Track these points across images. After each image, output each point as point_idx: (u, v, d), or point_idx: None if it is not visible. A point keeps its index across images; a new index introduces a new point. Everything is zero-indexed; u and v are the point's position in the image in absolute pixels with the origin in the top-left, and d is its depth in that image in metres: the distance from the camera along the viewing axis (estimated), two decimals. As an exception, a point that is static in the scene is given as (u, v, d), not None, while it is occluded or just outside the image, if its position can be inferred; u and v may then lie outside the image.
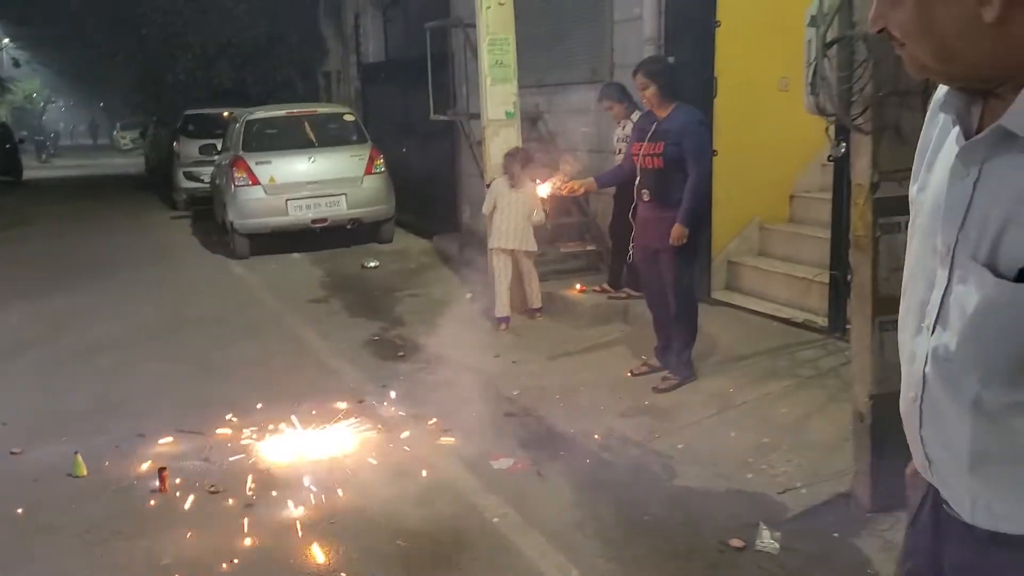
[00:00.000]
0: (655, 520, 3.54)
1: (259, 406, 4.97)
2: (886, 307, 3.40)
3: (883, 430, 3.45)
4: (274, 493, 3.92)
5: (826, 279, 5.72)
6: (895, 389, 3.46)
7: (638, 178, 4.87)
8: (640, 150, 4.83)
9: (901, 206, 3.50)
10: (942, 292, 1.23)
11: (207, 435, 4.61)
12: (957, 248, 1.19)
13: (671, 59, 4.86)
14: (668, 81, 4.76)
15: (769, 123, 6.37)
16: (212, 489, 3.95)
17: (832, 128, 4.65)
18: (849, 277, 5.11)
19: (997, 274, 1.12)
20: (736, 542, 3.29)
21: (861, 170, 3.40)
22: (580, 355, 5.73)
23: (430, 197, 11.31)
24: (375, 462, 4.23)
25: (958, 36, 1.13)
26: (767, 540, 3.26)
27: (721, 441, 4.22)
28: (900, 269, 3.41)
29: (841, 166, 5.04)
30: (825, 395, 4.51)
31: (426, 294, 7.95)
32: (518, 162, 6.40)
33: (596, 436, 4.38)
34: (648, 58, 5.24)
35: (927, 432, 1.31)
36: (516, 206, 6.44)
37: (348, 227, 10.16)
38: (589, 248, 7.64)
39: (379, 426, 4.66)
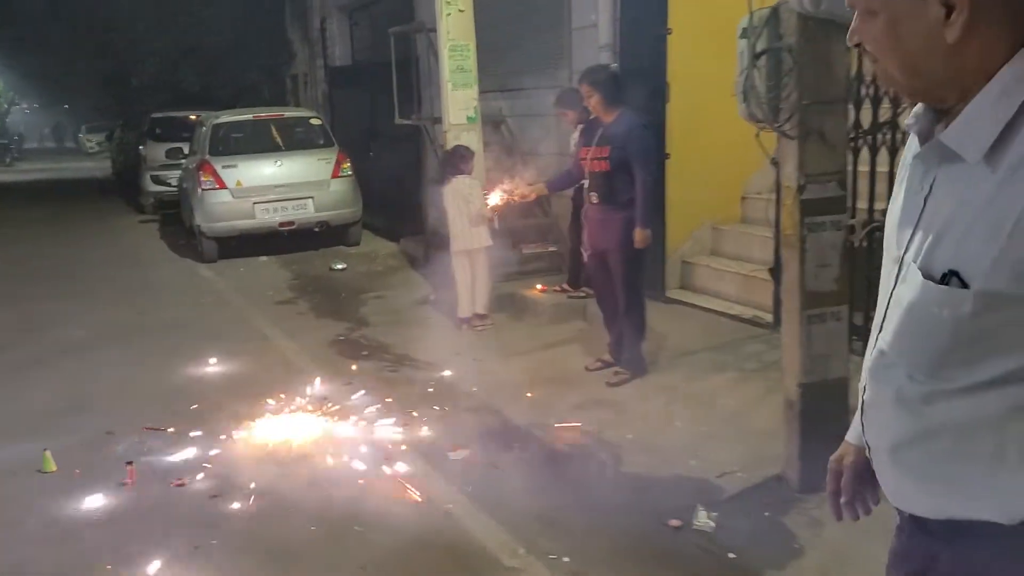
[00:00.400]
0: (602, 505, 3.74)
1: (225, 403, 5.13)
2: (814, 301, 3.65)
3: (810, 416, 3.69)
4: (238, 486, 4.08)
5: (768, 276, 5.98)
6: (822, 379, 3.72)
7: (586, 181, 5.08)
8: (587, 154, 5.05)
9: (826, 206, 3.77)
10: (889, 294, 1.34)
11: (174, 431, 4.76)
12: (905, 254, 1.29)
13: (614, 67, 5.08)
14: (611, 88, 4.98)
15: (720, 127, 6.58)
16: (178, 482, 4.11)
17: (761, 135, 4.92)
18: (768, 269, 5.40)
19: (927, 276, 1.21)
20: (675, 522, 3.50)
21: (789, 173, 3.63)
22: (539, 353, 5.93)
23: (397, 200, 11.45)
24: (336, 456, 4.40)
25: (922, 54, 1.22)
26: (703, 520, 3.48)
27: (667, 431, 4.45)
28: (827, 266, 3.68)
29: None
30: (766, 387, 4.75)
31: (392, 296, 8.12)
32: (458, 161, 6.50)
33: (549, 429, 4.58)
34: (591, 67, 5.45)
35: (867, 420, 1.41)
36: (468, 206, 6.61)
37: (315, 230, 10.31)
38: (551, 249, 7.85)
39: (341, 421, 4.83)
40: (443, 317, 7.08)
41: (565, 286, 7.00)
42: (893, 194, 1.44)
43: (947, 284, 1.18)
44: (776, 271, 5.30)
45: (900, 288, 1.30)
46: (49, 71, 32.46)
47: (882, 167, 4.53)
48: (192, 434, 4.71)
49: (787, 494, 3.70)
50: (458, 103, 6.89)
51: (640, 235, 4.89)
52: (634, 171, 4.90)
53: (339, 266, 9.50)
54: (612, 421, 4.63)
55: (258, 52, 16.09)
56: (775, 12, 3.52)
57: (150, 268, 10.09)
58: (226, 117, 10.73)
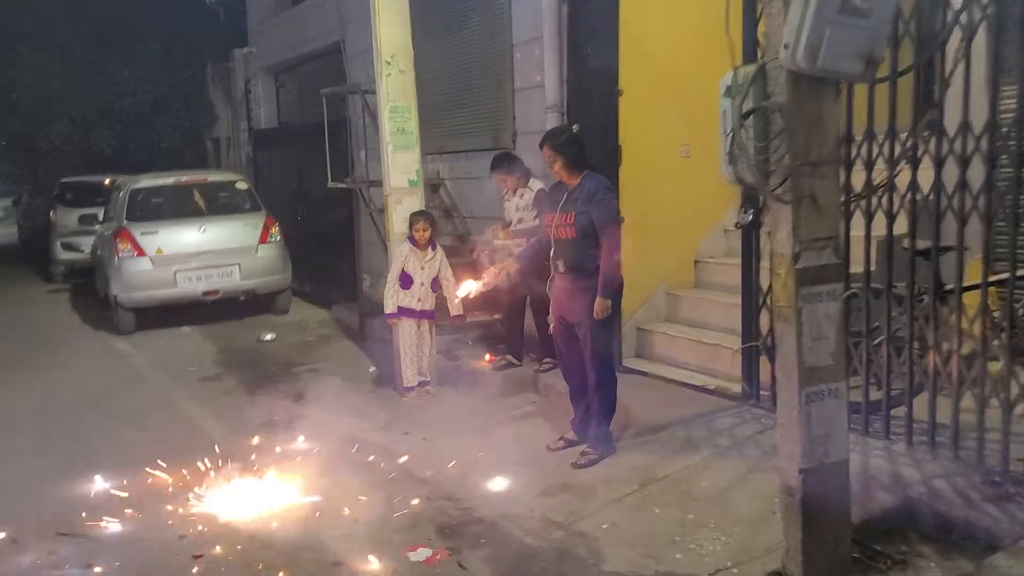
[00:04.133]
0: (586, 611, 3.35)
1: (148, 500, 4.56)
2: (812, 378, 3.36)
3: (814, 504, 3.38)
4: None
5: (735, 345, 5.73)
6: (824, 462, 3.41)
7: (552, 249, 4.77)
8: (553, 221, 4.75)
9: (822, 275, 3.52)
10: None
11: (92, 537, 4.18)
12: None
13: (575, 128, 4.82)
14: (574, 151, 4.71)
15: (672, 190, 6.44)
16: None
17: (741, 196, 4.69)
18: (760, 344, 5.15)
19: None
20: (675, 633, 3.12)
21: (782, 240, 3.37)
22: (493, 429, 5.53)
23: (327, 266, 10.99)
24: (282, 558, 3.89)
25: None
26: (706, 629, 3.11)
27: (646, 519, 4.08)
28: (823, 339, 3.41)
29: (748, 232, 5.09)
30: (745, 465, 4.44)
31: (327, 368, 7.63)
32: (424, 224, 6.23)
33: (517, 519, 4.17)
34: (552, 131, 5.19)
35: None
36: (423, 271, 6.27)
37: (241, 299, 9.76)
38: (496, 317, 7.48)
39: (283, 518, 4.32)
40: (383, 390, 6.63)
41: (510, 358, 6.63)
42: None
43: None
44: (755, 343, 5.02)
45: None
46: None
47: (878, 231, 4.30)
48: (114, 537, 4.13)
49: (790, 592, 3.36)
50: (399, 166, 6.54)
51: (599, 304, 4.59)
52: (599, 234, 4.61)
53: (268, 337, 8.96)
54: (583, 509, 4.25)
55: (178, 115, 15.52)
56: (762, 70, 3.29)
57: (59, 342, 9.34)
58: (146, 181, 10.16)
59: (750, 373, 5.21)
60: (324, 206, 10.92)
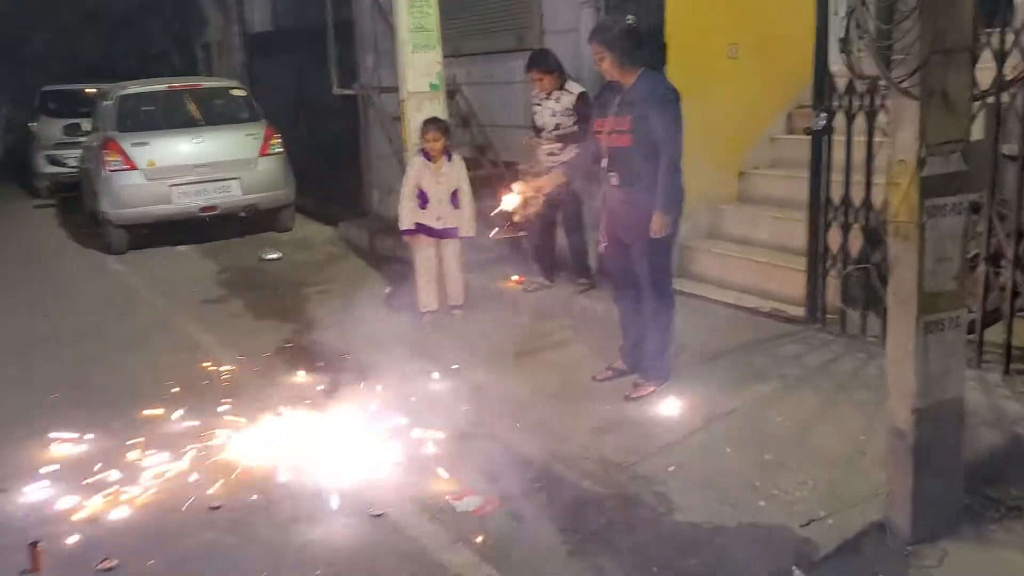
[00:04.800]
0: (665, 569, 2.94)
1: (159, 438, 4.12)
2: (932, 305, 2.89)
3: (926, 449, 2.95)
4: (184, 559, 3.13)
5: (790, 263, 5.26)
6: (941, 399, 2.95)
7: (605, 159, 4.23)
8: (604, 127, 4.19)
9: (948, 185, 3.01)
10: None
11: (93, 483, 3.74)
12: None
13: (632, 19, 4.20)
14: (628, 46, 4.11)
15: (718, 94, 5.82)
16: (106, 565, 3.11)
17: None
18: (829, 264, 4.66)
19: None
20: (775, 597, 2.72)
21: (905, 143, 2.83)
22: (530, 358, 5.07)
23: (331, 180, 10.41)
24: (308, 509, 3.47)
25: None
26: (812, 593, 2.71)
27: (717, 460, 3.65)
28: (946, 260, 2.90)
29: (819, 140, 4.55)
30: (820, 398, 4.00)
31: (338, 290, 7.13)
32: (435, 135, 5.65)
33: (571, 460, 3.74)
34: (602, 22, 4.60)
35: None
36: (439, 185, 5.73)
37: (242, 215, 9.19)
38: (521, 234, 6.95)
39: (308, 457, 3.89)
40: (402, 314, 6.15)
41: (541, 279, 6.13)
42: None
43: None
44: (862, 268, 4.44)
45: None
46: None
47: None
48: (119, 489, 3.70)
49: (897, 546, 2.96)
50: (419, 68, 5.92)
51: (658, 221, 4.07)
52: (657, 143, 4.06)
53: (271, 256, 8.44)
54: (644, 448, 3.81)
55: (166, 19, 14.60)
56: (891, -65, 2.71)
57: (51, 262, 8.81)
58: (135, 88, 9.44)
59: (814, 294, 4.74)
60: (327, 116, 10.29)
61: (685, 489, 3.45)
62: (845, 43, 2.79)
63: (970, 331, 3.97)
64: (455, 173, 5.77)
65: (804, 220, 5.46)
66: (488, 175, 7.43)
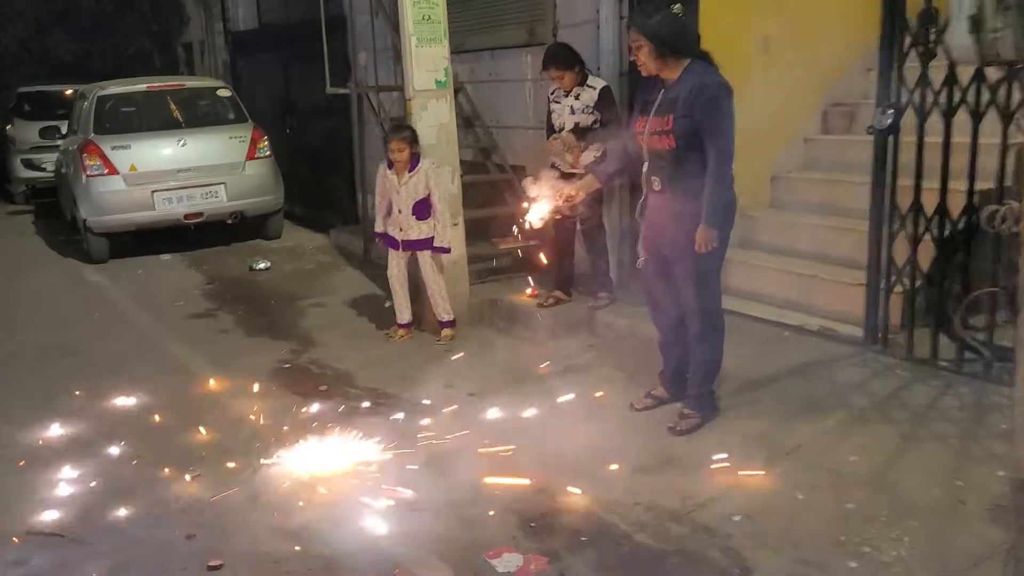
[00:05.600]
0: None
1: (144, 480, 3.62)
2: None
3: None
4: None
5: (836, 276, 4.83)
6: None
7: (646, 163, 3.77)
8: (645, 127, 3.72)
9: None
10: None
11: (71, 537, 3.23)
12: None
13: (678, 8, 3.73)
14: (671, 35, 3.63)
15: (748, 92, 5.31)
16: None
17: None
18: (893, 279, 4.21)
19: None
20: None
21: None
22: (553, 381, 4.60)
23: (322, 185, 9.90)
24: (320, 568, 2.98)
25: None
26: None
27: (788, 508, 3.19)
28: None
29: (884, 140, 4.10)
30: (896, 432, 3.56)
31: (334, 302, 6.65)
32: (398, 144, 5.22)
33: (619, 508, 3.27)
34: (643, 7, 4.13)
35: None
36: (399, 196, 5.31)
37: (229, 222, 8.67)
38: (531, 243, 6.47)
39: (319, 497, 3.40)
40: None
41: (559, 293, 5.66)
42: None
43: None
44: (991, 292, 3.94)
45: None
46: None
47: None
48: (99, 537, 3.19)
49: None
50: (424, 63, 5.45)
51: (703, 235, 3.60)
52: (705, 145, 3.60)
53: (261, 265, 7.92)
54: (701, 493, 3.34)
55: (144, 16, 13.99)
56: None
57: (25, 272, 8.22)
58: (114, 88, 8.88)
59: (875, 313, 4.29)
60: (316, 117, 9.77)
61: (756, 544, 2.99)
62: (978, 21, 2.33)
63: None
64: (421, 183, 5.27)
65: (849, 228, 5.07)
66: (494, 180, 6.97)
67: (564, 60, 5.21)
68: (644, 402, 4.10)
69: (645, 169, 3.77)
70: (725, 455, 3.56)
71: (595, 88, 5.19)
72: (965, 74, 3.81)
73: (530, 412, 4.19)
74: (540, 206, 3.98)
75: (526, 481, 3.50)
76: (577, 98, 5.23)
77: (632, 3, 5.42)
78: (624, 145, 3.91)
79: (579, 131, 5.20)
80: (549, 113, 5.42)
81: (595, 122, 5.18)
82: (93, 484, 3.68)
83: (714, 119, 3.62)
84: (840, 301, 4.69)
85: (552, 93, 5.39)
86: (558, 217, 4.32)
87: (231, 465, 3.77)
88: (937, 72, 3.92)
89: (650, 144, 3.72)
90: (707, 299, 3.74)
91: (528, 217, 4.05)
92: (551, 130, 5.42)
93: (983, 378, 3.88)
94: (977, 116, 3.74)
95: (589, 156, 5.06)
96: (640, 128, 3.76)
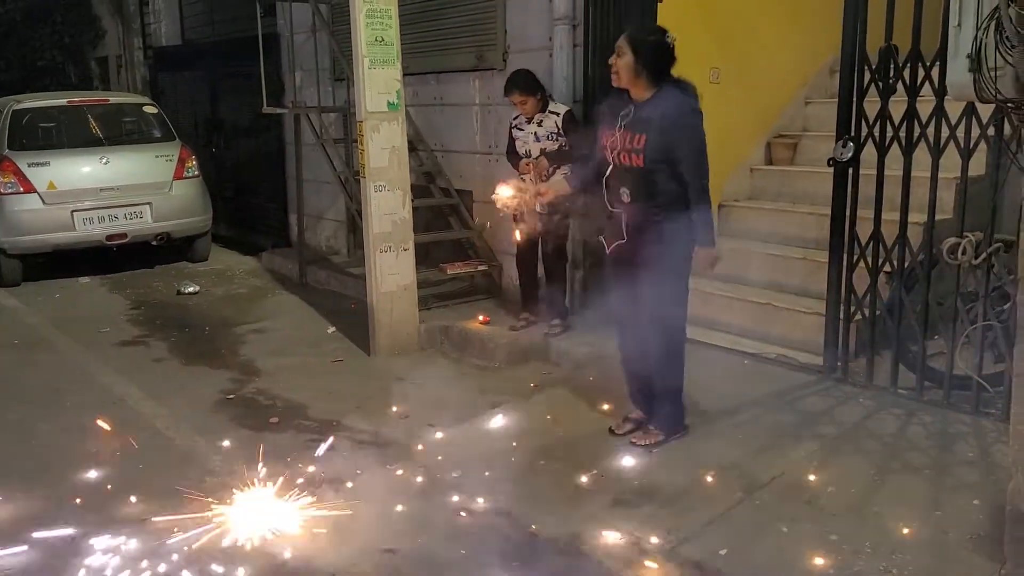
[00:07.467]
0: None
1: (76, 531, 3.36)
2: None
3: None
4: None
5: (790, 304, 4.90)
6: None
7: (613, 177, 3.73)
8: (615, 142, 3.69)
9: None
10: None
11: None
12: None
13: (672, 37, 3.71)
14: (656, 59, 3.64)
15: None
16: None
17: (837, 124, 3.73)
18: (854, 309, 4.28)
19: None
20: None
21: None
22: (515, 409, 4.49)
23: (249, 206, 9.62)
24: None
25: None
26: None
27: (774, 542, 3.16)
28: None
29: (845, 171, 4.18)
30: (870, 463, 3.59)
31: (274, 327, 6.41)
32: None
33: (602, 544, 3.19)
34: (642, 25, 4.20)
35: None
36: None
37: (154, 243, 8.31)
38: (480, 268, 6.40)
39: (280, 547, 3.21)
40: (354, 358, 5.52)
41: (527, 315, 5.60)
42: None
43: None
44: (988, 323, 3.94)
45: None
46: None
47: None
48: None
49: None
50: (376, 85, 5.32)
51: (703, 257, 3.73)
52: (681, 172, 3.60)
53: (190, 289, 7.60)
54: (685, 526, 3.27)
55: (56, 28, 13.36)
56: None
57: (-73, 296, 7.69)
58: (31, 102, 8.42)
59: (835, 342, 4.35)
60: (246, 136, 9.50)
61: (746, 579, 2.95)
62: (976, 60, 2.37)
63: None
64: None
65: (800, 257, 5.16)
66: (439, 204, 6.87)
67: (527, 86, 5.19)
68: (624, 427, 4.05)
69: (612, 183, 3.73)
70: (706, 485, 3.52)
71: (558, 114, 5.18)
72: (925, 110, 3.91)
73: (496, 440, 4.09)
74: (507, 189, 3.96)
75: (500, 516, 3.39)
76: (540, 124, 5.21)
77: (587, 32, 5.42)
78: (593, 161, 3.87)
79: (547, 156, 5.18)
80: (512, 140, 5.37)
81: (561, 147, 5.16)
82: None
83: (692, 142, 3.63)
84: (796, 329, 4.76)
85: (515, 119, 5.35)
86: (525, 212, 4.30)
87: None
88: (897, 107, 4.01)
89: (618, 160, 3.69)
90: (673, 311, 3.79)
91: (497, 196, 4.03)
92: (514, 156, 5.38)
93: (943, 406, 3.97)
94: (938, 151, 3.83)
95: (559, 177, 5.03)
96: (606, 143, 3.73)
